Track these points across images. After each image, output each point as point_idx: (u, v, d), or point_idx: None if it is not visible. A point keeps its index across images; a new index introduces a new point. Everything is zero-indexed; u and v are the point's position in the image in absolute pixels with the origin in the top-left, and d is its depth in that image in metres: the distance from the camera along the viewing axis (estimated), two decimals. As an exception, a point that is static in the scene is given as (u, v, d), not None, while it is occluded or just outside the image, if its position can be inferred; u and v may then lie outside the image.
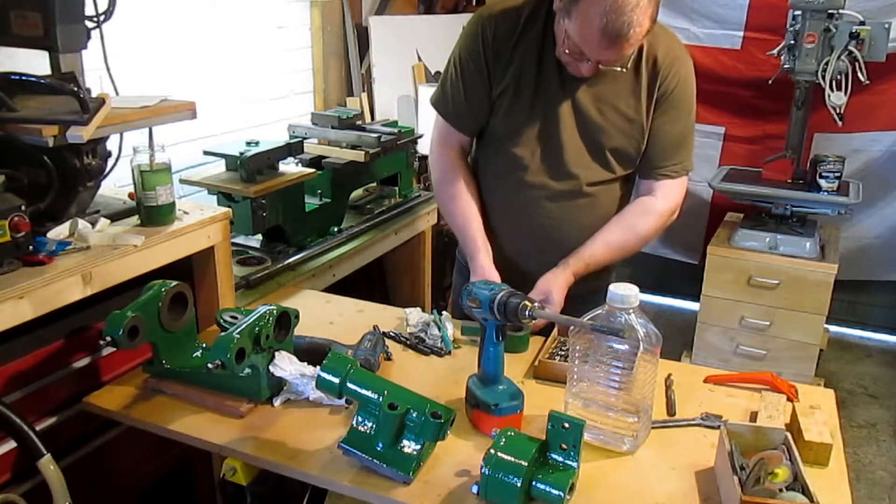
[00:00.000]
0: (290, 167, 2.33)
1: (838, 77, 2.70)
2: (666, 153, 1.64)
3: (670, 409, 1.40)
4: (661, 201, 1.66)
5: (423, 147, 2.96)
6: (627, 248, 1.66)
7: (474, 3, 3.85)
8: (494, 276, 1.58)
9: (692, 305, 3.39)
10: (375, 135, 2.60)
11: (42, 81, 1.41)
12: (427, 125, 3.02)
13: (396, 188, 2.89)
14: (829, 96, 2.71)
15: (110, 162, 1.57)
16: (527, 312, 1.23)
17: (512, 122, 1.62)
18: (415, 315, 1.71)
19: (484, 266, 1.61)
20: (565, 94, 1.58)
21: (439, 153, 1.73)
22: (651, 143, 1.62)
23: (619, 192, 1.70)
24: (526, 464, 1.08)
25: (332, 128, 2.65)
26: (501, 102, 1.62)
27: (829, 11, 2.67)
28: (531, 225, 1.67)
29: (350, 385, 1.21)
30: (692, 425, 1.35)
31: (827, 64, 2.69)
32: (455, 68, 1.65)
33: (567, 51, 1.47)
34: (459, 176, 1.70)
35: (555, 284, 1.55)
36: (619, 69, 1.48)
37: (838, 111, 2.72)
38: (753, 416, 1.37)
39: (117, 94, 1.65)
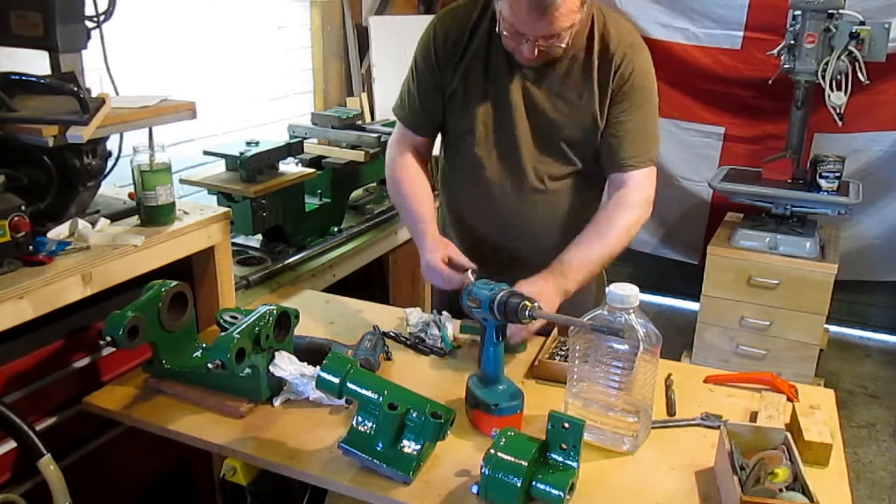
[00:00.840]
0: (290, 167, 2.33)
1: (838, 77, 2.70)
2: (628, 145, 1.58)
3: (670, 409, 1.40)
4: (634, 193, 1.59)
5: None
6: (614, 244, 1.57)
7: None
8: (442, 245, 1.55)
9: (692, 305, 3.39)
10: (375, 135, 2.60)
11: (42, 81, 1.41)
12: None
13: (396, 188, 2.89)
14: (829, 96, 2.71)
15: (110, 162, 1.57)
16: (527, 312, 1.23)
17: (465, 123, 1.63)
18: (415, 315, 1.71)
19: (432, 236, 1.58)
20: (517, 91, 1.58)
21: (390, 153, 1.76)
22: (613, 135, 1.58)
23: (580, 186, 1.67)
24: (526, 464, 1.08)
25: (332, 128, 2.65)
26: (454, 104, 1.64)
27: (829, 11, 2.67)
28: (496, 222, 1.68)
29: (350, 385, 1.21)
30: (692, 425, 1.35)
31: (827, 64, 2.69)
32: (411, 72, 1.69)
33: (505, 32, 1.46)
34: (408, 168, 1.71)
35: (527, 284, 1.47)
36: (560, 46, 1.45)
37: (838, 111, 2.72)
38: (753, 416, 1.37)
39: (117, 94, 1.65)
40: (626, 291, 1.21)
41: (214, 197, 2.18)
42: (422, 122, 1.70)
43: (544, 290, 1.46)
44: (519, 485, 1.08)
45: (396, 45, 3.24)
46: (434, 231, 1.61)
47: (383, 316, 1.77)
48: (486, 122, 1.62)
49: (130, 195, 1.63)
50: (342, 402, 1.34)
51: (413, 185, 1.69)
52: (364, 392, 1.21)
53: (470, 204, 1.72)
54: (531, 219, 1.67)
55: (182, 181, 2.12)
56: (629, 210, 1.59)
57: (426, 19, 3.78)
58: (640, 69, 1.57)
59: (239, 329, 1.30)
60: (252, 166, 2.10)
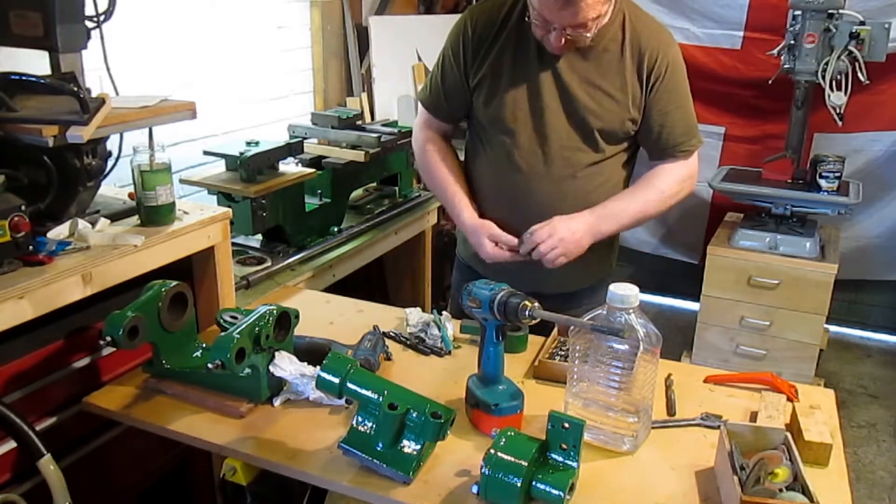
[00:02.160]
0: (290, 167, 2.33)
1: (838, 77, 2.70)
2: (677, 135, 1.67)
3: (670, 409, 1.40)
4: (679, 167, 1.71)
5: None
6: (648, 201, 1.68)
7: (474, 2, 3.86)
8: (486, 225, 1.66)
9: (692, 305, 3.39)
10: (375, 135, 2.60)
11: (42, 81, 1.41)
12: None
13: (396, 188, 2.89)
14: (829, 96, 2.71)
15: (110, 162, 1.57)
16: (527, 312, 1.23)
17: (494, 110, 1.66)
18: (415, 315, 1.71)
19: (470, 221, 1.69)
20: (549, 79, 1.61)
21: (419, 134, 1.82)
22: (661, 128, 1.65)
23: (608, 172, 1.70)
24: (526, 464, 1.08)
25: (332, 128, 2.65)
26: (482, 91, 1.66)
27: (829, 11, 2.67)
28: (525, 210, 1.68)
29: (350, 385, 1.21)
30: (692, 425, 1.35)
31: (827, 64, 2.69)
32: (439, 61, 1.75)
33: (535, 22, 1.51)
34: (438, 147, 1.78)
35: (563, 219, 1.61)
36: (587, 36, 1.50)
37: (838, 111, 2.72)
38: (753, 416, 1.37)
39: (117, 94, 1.65)
40: (626, 291, 1.21)
41: (214, 197, 2.18)
42: (443, 110, 1.77)
43: (580, 227, 1.61)
44: (519, 485, 1.08)
45: (396, 45, 3.25)
46: (472, 213, 1.70)
47: (383, 316, 1.77)
48: (515, 109, 1.64)
49: (130, 195, 1.63)
50: (342, 402, 1.34)
51: (445, 164, 1.76)
52: (364, 392, 1.21)
53: (495, 191, 1.73)
54: (559, 205, 1.67)
55: (182, 181, 2.12)
56: (671, 178, 1.70)
57: (426, 19, 3.79)
58: (675, 62, 1.64)
59: (239, 329, 1.30)
60: (252, 166, 2.10)
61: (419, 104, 1.83)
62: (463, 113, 1.77)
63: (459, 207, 1.71)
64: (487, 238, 1.65)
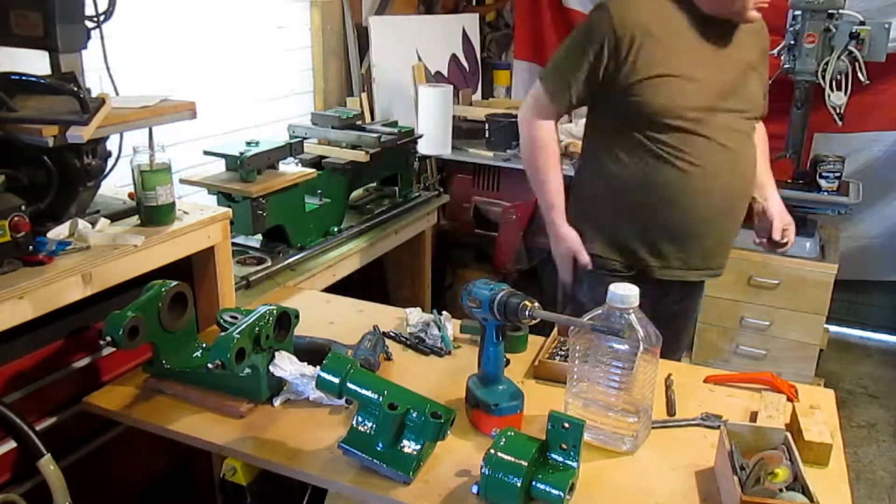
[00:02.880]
0: (290, 167, 2.33)
1: (838, 77, 2.70)
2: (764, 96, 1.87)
3: (670, 409, 1.40)
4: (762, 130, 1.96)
5: (423, 147, 2.95)
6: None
7: (474, 2, 3.85)
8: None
9: (692, 305, 3.38)
10: (375, 135, 2.60)
11: (42, 81, 1.41)
12: (426, 125, 3.01)
13: (396, 188, 2.89)
14: (829, 96, 2.71)
15: (110, 162, 1.57)
16: (527, 312, 1.23)
17: (667, 102, 1.66)
18: (415, 315, 1.71)
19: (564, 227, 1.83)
20: (726, 60, 1.71)
21: (533, 123, 1.82)
22: (764, 91, 1.84)
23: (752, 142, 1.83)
24: (526, 464, 1.09)
25: (332, 128, 2.65)
26: (644, 85, 1.65)
27: (829, 11, 2.66)
28: (698, 210, 1.76)
29: (350, 385, 1.21)
30: (692, 425, 1.35)
31: (827, 64, 2.69)
32: (579, 52, 1.70)
33: None
34: (552, 142, 1.82)
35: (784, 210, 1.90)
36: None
37: (838, 111, 2.72)
38: (753, 416, 1.37)
39: (117, 94, 1.65)
40: (626, 291, 1.21)
41: (214, 197, 2.18)
42: (566, 102, 1.76)
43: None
44: (519, 485, 1.08)
45: (396, 45, 3.25)
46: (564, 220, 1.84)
47: (383, 316, 1.77)
48: (697, 98, 1.67)
49: (130, 195, 1.63)
50: (342, 402, 1.34)
51: (555, 162, 1.83)
52: (364, 392, 1.21)
53: (654, 193, 1.74)
54: (735, 191, 1.81)
55: (182, 181, 2.12)
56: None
57: (426, 19, 3.78)
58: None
59: (239, 329, 1.30)
60: (252, 166, 2.10)
61: (535, 91, 1.79)
62: (581, 105, 1.79)
63: (560, 214, 1.84)
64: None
